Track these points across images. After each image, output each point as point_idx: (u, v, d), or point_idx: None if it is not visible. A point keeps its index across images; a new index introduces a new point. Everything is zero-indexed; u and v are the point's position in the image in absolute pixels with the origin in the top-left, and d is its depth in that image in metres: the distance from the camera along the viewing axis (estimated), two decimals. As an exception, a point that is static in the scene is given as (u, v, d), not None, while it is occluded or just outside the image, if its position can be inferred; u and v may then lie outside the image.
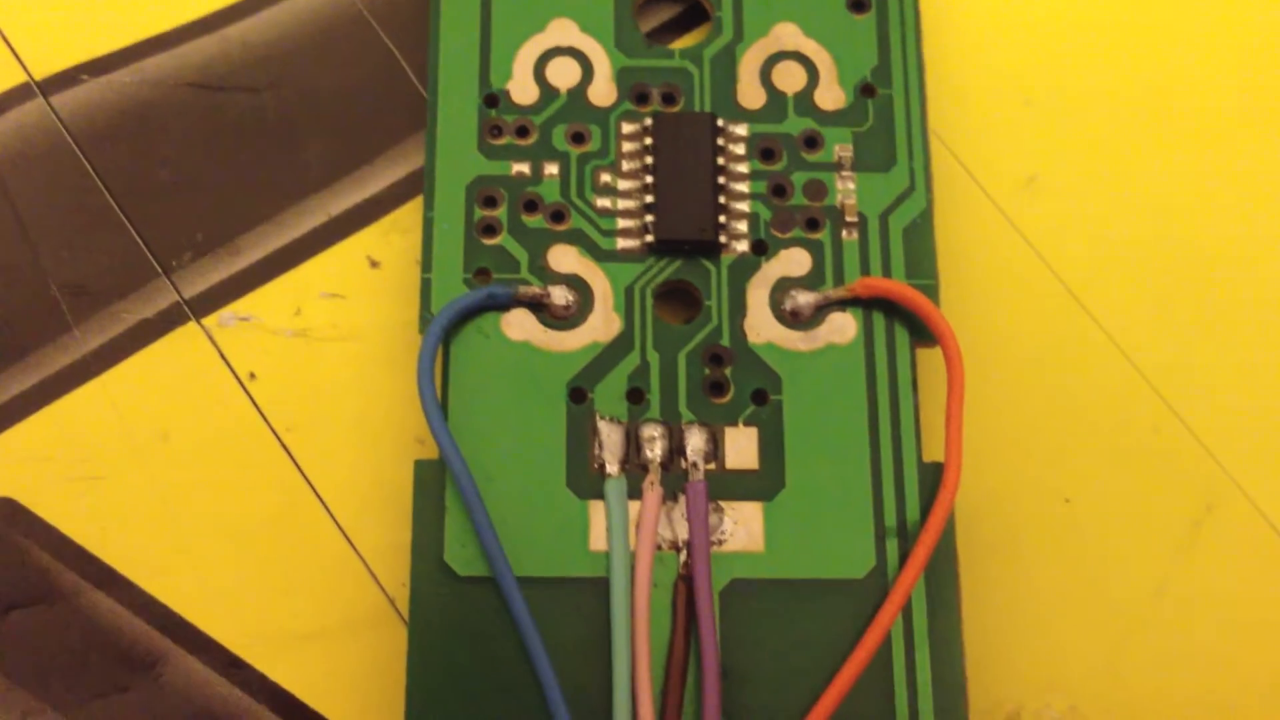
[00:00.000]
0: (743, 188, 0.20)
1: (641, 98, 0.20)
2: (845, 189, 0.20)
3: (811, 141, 0.20)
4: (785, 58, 0.21)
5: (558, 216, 0.20)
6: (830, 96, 0.20)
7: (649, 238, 0.19)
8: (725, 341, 0.19)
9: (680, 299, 0.20)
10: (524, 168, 0.20)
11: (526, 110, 0.20)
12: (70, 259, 0.21)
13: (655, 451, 0.18)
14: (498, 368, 0.19)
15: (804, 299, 0.19)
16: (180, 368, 0.20)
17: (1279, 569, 0.20)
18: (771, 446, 0.19)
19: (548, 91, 0.20)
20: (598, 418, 0.19)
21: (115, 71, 0.22)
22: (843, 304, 0.19)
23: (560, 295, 0.19)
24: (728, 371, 0.19)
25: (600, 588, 0.18)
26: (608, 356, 0.19)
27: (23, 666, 0.19)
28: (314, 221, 0.21)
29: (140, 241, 0.21)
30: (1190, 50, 0.23)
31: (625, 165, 0.20)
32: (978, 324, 0.21)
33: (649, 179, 0.20)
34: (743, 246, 0.20)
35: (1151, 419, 0.21)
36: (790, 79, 0.21)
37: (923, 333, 0.19)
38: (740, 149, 0.20)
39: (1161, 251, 0.21)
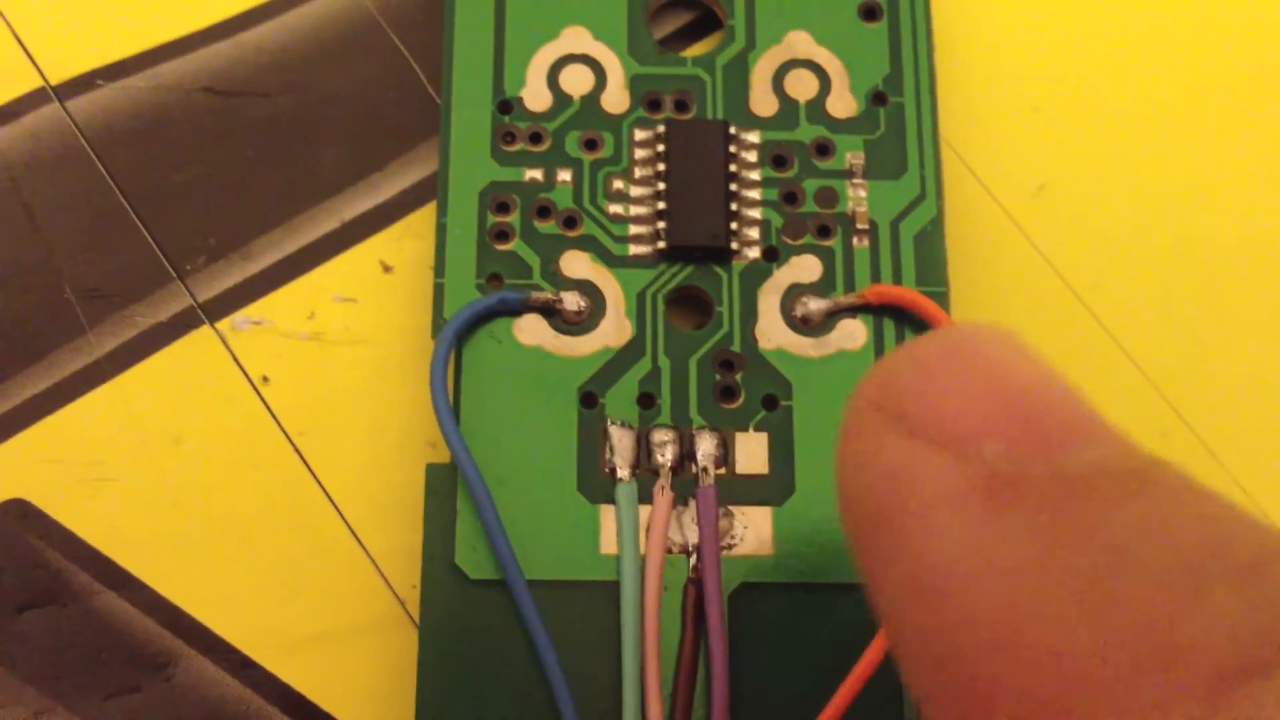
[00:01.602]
0: (754, 194, 0.20)
1: (654, 105, 0.20)
2: (856, 196, 0.20)
3: (823, 149, 0.20)
4: (797, 66, 0.21)
5: (570, 222, 0.20)
6: (842, 104, 0.21)
7: (661, 244, 0.20)
8: (736, 347, 0.19)
9: (692, 305, 0.20)
10: (537, 174, 0.20)
11: (539, 117, 0.20)
12: (85, 262, 0.21)
13: (666, 456, 0.19)
14: (509, 372, 0.19)
15: (815, 305, 0.19)
16: (193, 371, 0.20)
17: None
18: (782, 451, 0.19)
19: (561, 98, 0.20)
20: (609, 422, 0.19)
21: (131, 76, 0.22)
22: (853, 310, 0.19)
23: (572, 301, 0.19)
24: (738, 377, 0.19)
25: (610, 591, 0.18)
26: (619, 362, 0.19)
27: (35, 666, 0.19)
28: (327, 226, 0.21)
29: (154, 245, 0.21)
30: (1200, 58, 0.23)
31: (638, 172, 0.20)
32: (988, 331, 0.21)
33: (661, 185, 0.20)
34: (754, 253, 0.20)
35: (1160, 426, 0.21)
36: (802, 87, 0.21)
37: (933, 339, 0.19)
38: (752, 156, 0.20)
39: (1171, 259, 0.21)
